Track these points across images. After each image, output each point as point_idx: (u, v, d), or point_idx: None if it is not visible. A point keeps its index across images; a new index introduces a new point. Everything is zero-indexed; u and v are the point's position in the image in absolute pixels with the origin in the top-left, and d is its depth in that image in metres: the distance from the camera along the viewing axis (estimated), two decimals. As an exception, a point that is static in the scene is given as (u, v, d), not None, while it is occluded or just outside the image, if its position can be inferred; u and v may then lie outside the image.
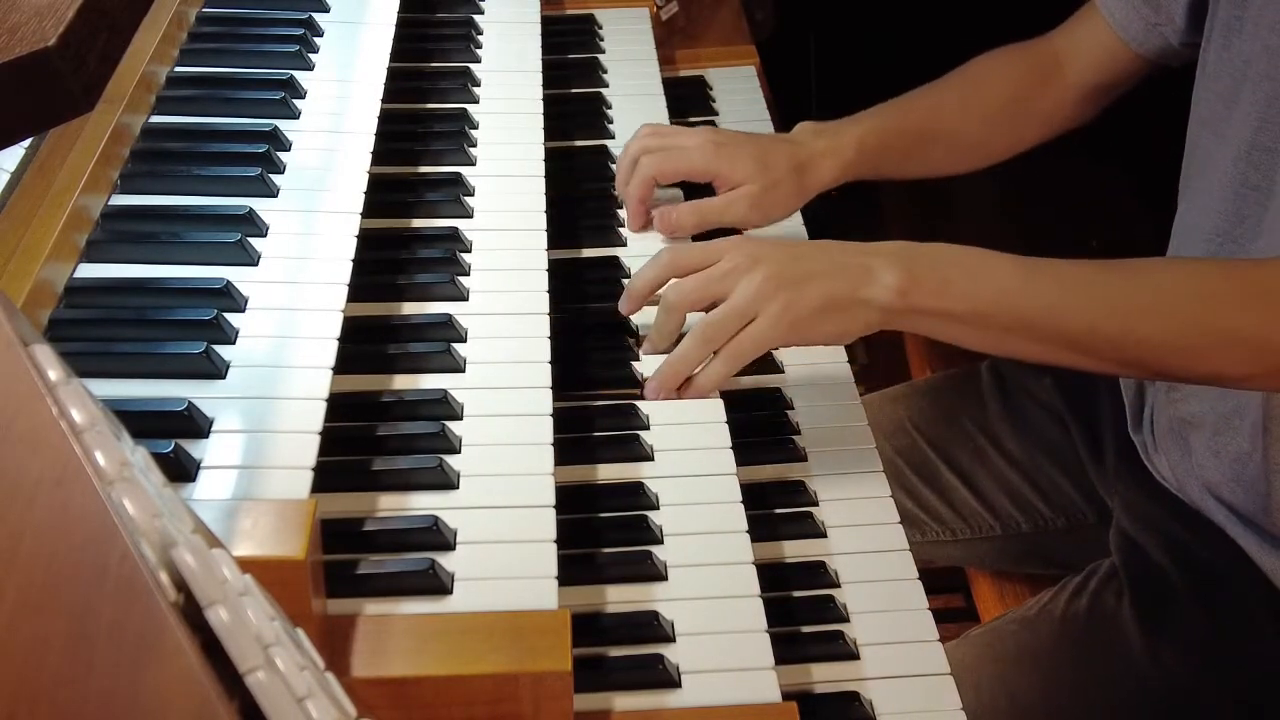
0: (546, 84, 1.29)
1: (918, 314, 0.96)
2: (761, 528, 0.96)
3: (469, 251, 1.08)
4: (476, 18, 1.38)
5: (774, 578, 0.94)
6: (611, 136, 1.32)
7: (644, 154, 1.19)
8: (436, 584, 0.79)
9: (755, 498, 0.97)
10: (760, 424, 1.08)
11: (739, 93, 1.51)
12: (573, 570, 0.85)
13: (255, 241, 0.97)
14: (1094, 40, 1.27)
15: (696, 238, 1.17)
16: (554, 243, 1.10)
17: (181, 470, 0.78)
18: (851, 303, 0.96)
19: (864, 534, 1.00)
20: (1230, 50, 1.09)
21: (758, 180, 1.18)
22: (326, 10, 1.27)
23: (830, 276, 0.96)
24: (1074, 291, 0.97)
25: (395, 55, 1.22)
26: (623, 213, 1.21)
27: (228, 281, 0.93)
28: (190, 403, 0.82)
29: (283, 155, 1.07)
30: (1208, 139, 1.14)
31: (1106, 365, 1.01)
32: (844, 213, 2.06)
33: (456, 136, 1.20)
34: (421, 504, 0.86)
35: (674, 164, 1.18)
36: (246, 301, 0.93)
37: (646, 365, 1.04)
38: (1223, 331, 0.95)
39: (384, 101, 1.15)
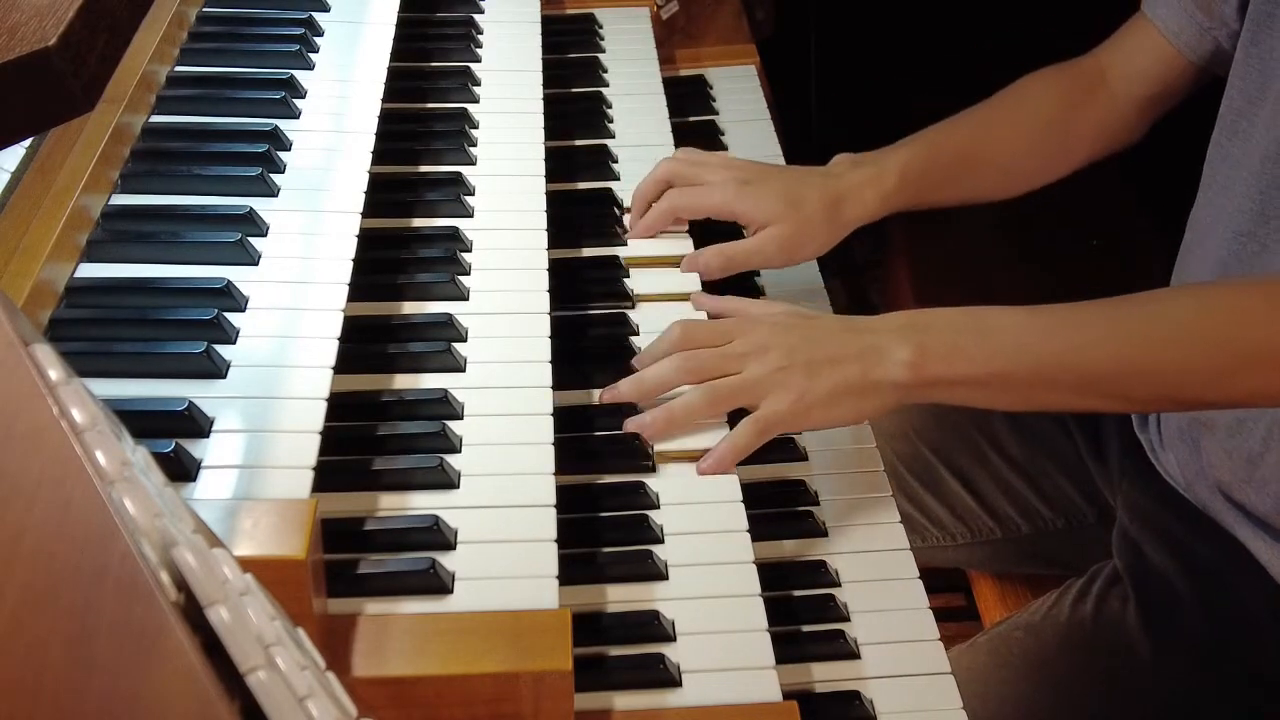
0: (546, 83, 1.29)
1: (935, 385, 0.95)
2: (762, 527, 0.96)
3: (469, 251, 1.08)
4: (476, 17, 1.38)
5: (775, 577, 0.94)
6: (611, 136, 1.32)
7: (674, 180, 1.18)
8: (437, 583, 0.79)
9: (756, 497, 0.97)
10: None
11: (739, 92, 1.51)
12: (573, 570, 0.85)
13: (256, 241, 0.98)
14: (1144, 51, 1.24)
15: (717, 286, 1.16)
16: (554, 242, 1.10)
17: (182, 470, 0.78)
18: (864, 387, 0.95)
19: (864, 533, 1.00)
20: (1259, 46, 1.08)
21: (787, 220, 1.15)
22: (327, 10, 1.27)
23: (841, 362, 0.95)
24: (1092, 332, 0.95)
25: (395, 55, 1.22)
26: (625, 218, 1.20)
27: (228, 281, 0.93)
28: (191, 402, 0.82)
29: (283, 155, 1.07)
30: (1231, 136, 1.13)
31: (1139, 405, 1.00)
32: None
33: (457, 136, 1.20)
34: (422, 503, 0.86)
35: (697, 201, 1.17)
36: (247, 301, 0.93)
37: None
38: (1253, 348, 0.92)
39: (384, 101, 1.15)
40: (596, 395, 1.02)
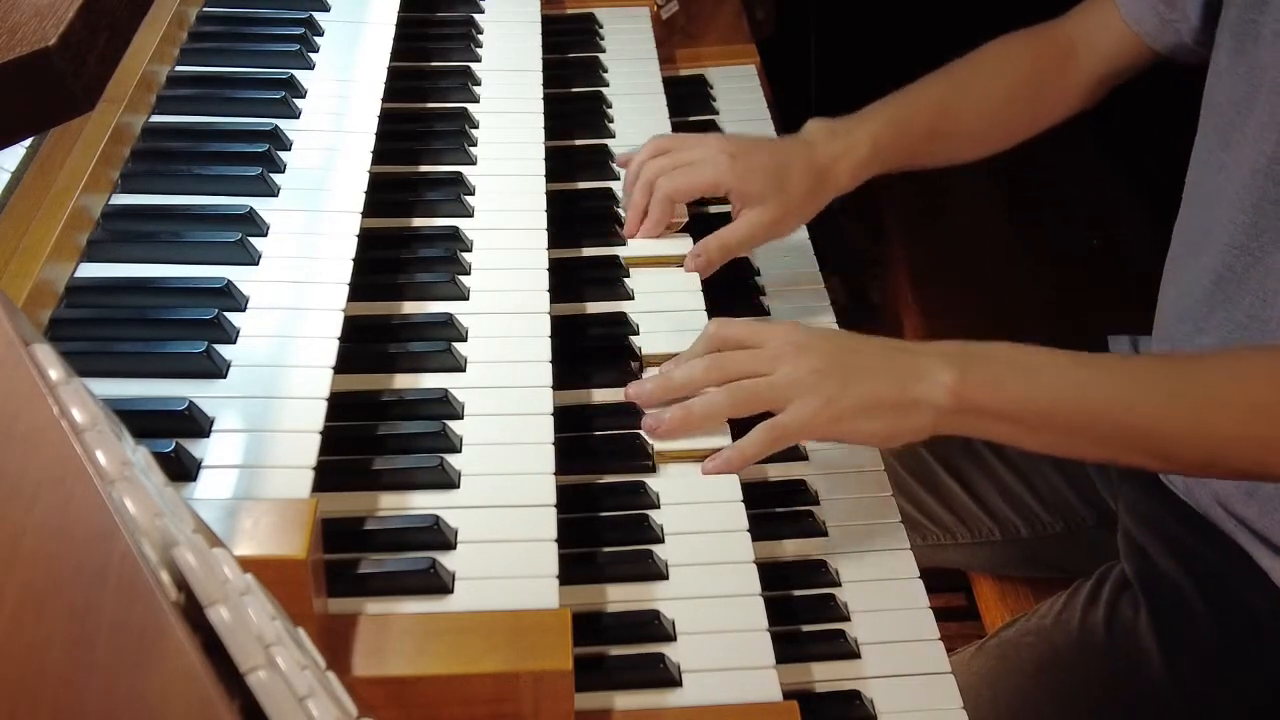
0: (547, 83, 1.29)
1: (973, 414, 0.92)
2: (762, 527, 0.96)
3: (469, 251, 1.08)
4: (477, 17, 1.38)
5: (775, 576, 0.94)
6: (612, 135, 1.32)
7: (658, 173, 1.16)
8: (437, 583, 0.79)
9: (756, 497, 0.97)
10: (761, 422, 1.08)
11: (739, 92, 1.51)
12: (573, 569, 0.85)
13: (256, 241, 0.97)
14: (1107, 31, 1.25)
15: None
16: (554, 242, 1.10)
17: (182, 469, 0.78)
18: (900, 403, 0.92)
19: (865, 533, 1.00)
20: (1245, 56, 1.07)
21: (776, 197, 1.15)
22: (327, 10, 1.27)
23: (879, 375, 0.93)
24: (1135, 385, 0.93)
25: (396, 55, 1.22)
26: (622, 211, 1.20)
27: (228, 281, 0.93)
28: (191, 402, 0.82)
29: (283, 154, 1.07)
30: (1219, 147, 1.12)
31: (1178, 466, 0.99)
32: (844, 210, 2.07)
33: (457, 136, 1.20)
34: (422, 503, 0.86)
35: (690, 181, 1.16)
36: (247, 301, 0.93)
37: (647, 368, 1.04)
38: None
39: (384, 101, 1.15)
40: (596, 395, 1.02)
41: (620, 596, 0.88)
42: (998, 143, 1.30)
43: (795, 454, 1.06)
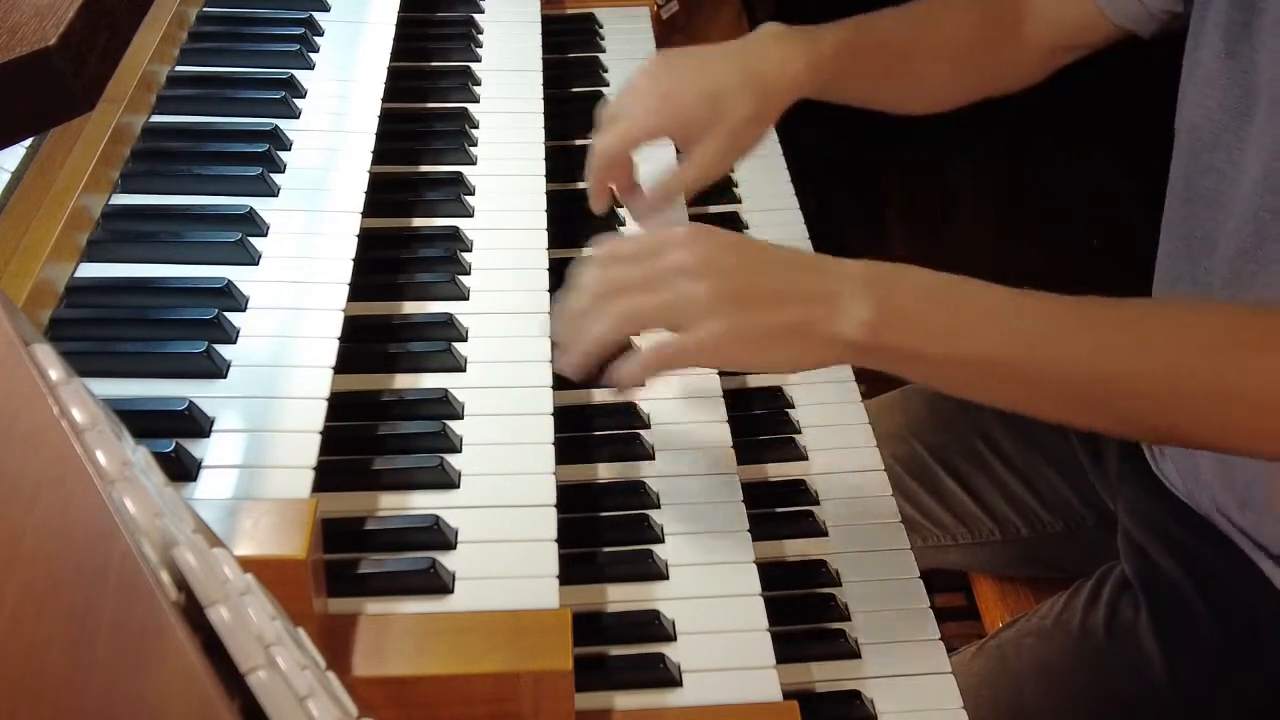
0: (547, 83, 1.29)
1: (889, 353, 0.83)
2: (762, 526, 0.96)
3: (470, 251, 1.08)
4: (477, 17, 1.38)
5: (775, 576, 0.94)
6: (612, 136, 1.32)
7: (604, 137, 1.06)
8: (437, 583, 0.79)
9: (756, 496, 0.97)
10: (761, 422, 1.08)
11: (739, 92, 1.50)
12: (574, 569, 0.86)
13: (256, 241, 0.98)
14: (1063, 3, 1.19)
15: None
16: (554, 242, 1.10)
17: (183, 469, 0.78)
18: (808, 337, 0.82)
19: (865, 533, 1.00)
20: (1238, 59, 1.04)
21: (719, 124, 1.03)
22: (327, 9, 1.27)
23: (787, 303, 0.82)
24: (1092, 331, 0.84)
25: (396, 55, 1.22)
26: (623, 211, 1.20)
27: (228, 281, 0.93)
28: (191, 402, 0.83)
29: (283, 154, 1.07)
30: (1206, 149, 1.10)
31: (1122, 424, 0.89)
32: (845, 210, 2.07)
33: (457, 136, 1.20)
34: (422, 503, 0.86)
35: (620, 136, 1.05)
36: (247, 301, 0.93)
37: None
38: (1233, 383, 0.83)
39: (384, 101, 1.15)
40: (597, 395, 1.02)
41: (620, 596, 0.88)
42: (941, 99, 1.23)
43: (796, 453, 1.06)
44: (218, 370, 0.86)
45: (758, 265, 0.84)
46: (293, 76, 1.15)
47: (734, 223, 1.26)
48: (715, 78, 1.05)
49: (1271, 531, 1.10)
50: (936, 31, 1.21)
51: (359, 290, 0.97)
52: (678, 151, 1.14)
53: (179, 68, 1.15)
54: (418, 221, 1.11)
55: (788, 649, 0.88)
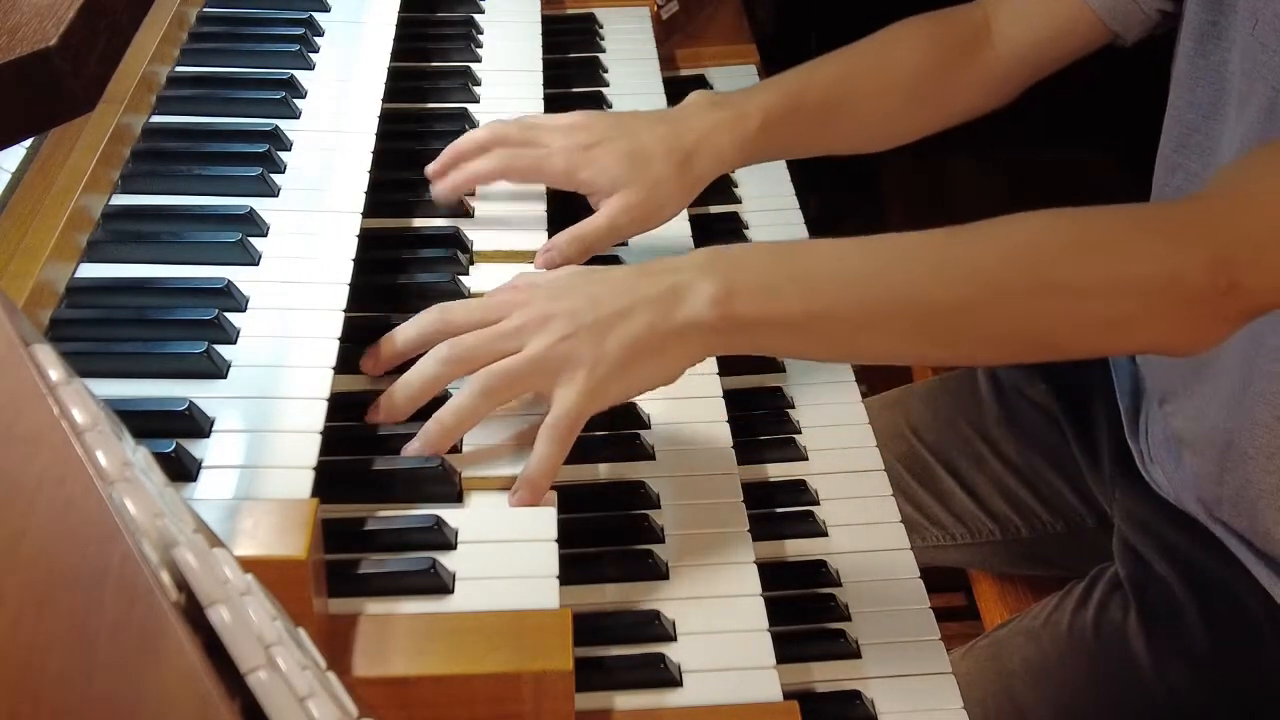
0: (547, 83, 1.29)
1: (746, 328, 0.82)
2: (763, 526, 0.96)
3: (469, 251, 1.08)
4: (477, 17, 1.38)
5: (775, 576, 0.94)
6: (612, 136, 1.32)
7: (505, 142, 1.06)
8: (438, 583, 0.79)
9: (756, 496, 0.97)
10: (761, 422, 1.08)
11: (739, 92, 1.50)
12: (574, 569, 0.85)
13: (256, 241, 0.98)
14: (1043, 9, 1.15)
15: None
16: (555, 242, 1.10)
17: (183, 470, 0.78)
18: (665, 336, 0.82)
19: (865, 533, 1.00)
20: (1208, 59, 1.04)
21: (633, 186, 1.03)
22: (327, 10, 1.27)
23: (633, 314, 0.82)
24: (923, 263, 0.84)
25: (396, 55, 1.22)
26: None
27: (229, 281, 0.93)
28: (191, 402, 0.82)
29: (283, 155, 1.07)
30: (1174, 149, 1.09)
31: (971, 350, 0.90)
32: (845, 210, 2.07)
33: (457, 136, 1.20)
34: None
35: (528, 167, 1.05)
36: (247, 301, 0.93)
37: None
38: (1040, 275, 0.83)
39: (385, 101, 1.15)
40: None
41: (621, 597, 0.88)
42: (905, 130, 1.20)
43: (796, 453, 1.06)
44: (218, 370, 0.86)
45: (596, 296, 0.84)
46: (293, 77, 1.15)
47: (734, 223, 1.26)
48: (642, 140, 1.05)
49: (1258, 532, 1.10)
50: (889, 70, 1.17)
51: (359, 290, 0.97)
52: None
53: (179, 68, 1.15)
54: (418, 222, 1.11)
55: (788, 649, 0.88)
